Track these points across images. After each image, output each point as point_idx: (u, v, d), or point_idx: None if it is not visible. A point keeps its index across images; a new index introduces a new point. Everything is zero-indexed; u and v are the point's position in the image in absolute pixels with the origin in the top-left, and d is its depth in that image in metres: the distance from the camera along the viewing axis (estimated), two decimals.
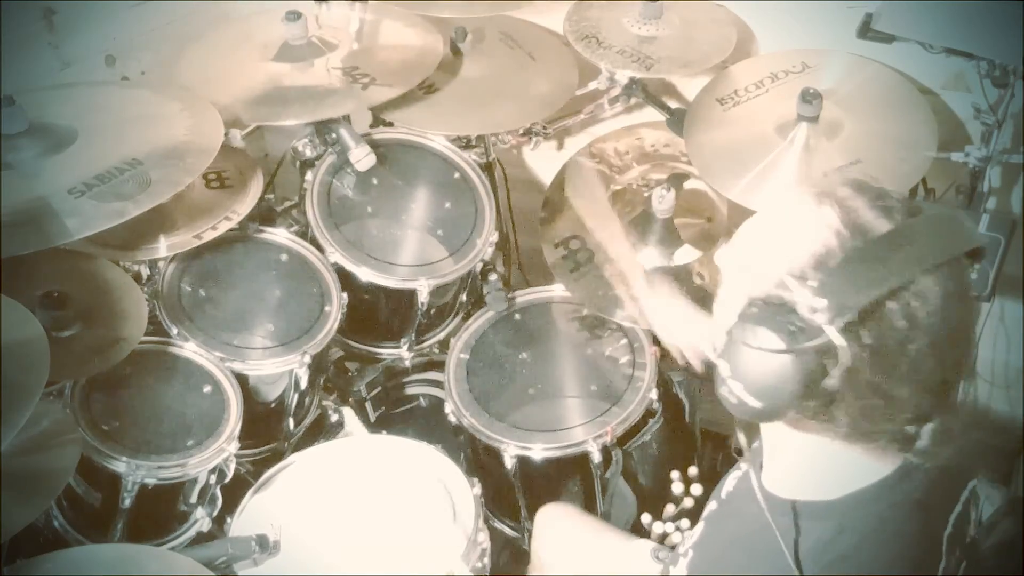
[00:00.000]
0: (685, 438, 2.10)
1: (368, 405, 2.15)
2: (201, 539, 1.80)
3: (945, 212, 1.03)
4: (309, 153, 2.04)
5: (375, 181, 2.06)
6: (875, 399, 0.98)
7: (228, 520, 1.71)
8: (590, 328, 2.06)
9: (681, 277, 1.99)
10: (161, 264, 1.91)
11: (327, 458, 1.80)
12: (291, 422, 2.00)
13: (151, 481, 1.69)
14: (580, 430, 1.88)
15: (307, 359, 1.88)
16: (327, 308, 1.95)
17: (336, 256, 1.96)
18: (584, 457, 1.86)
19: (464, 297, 2.16)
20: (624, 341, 2.03)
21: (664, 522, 1.70)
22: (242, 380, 1.86)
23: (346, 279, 1.97)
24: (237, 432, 1.78)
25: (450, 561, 1.58)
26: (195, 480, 1.77)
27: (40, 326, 1.38)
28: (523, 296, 2.12)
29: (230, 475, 1.81)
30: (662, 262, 2.01)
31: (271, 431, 1.99)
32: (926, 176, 1.85)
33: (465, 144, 2.15)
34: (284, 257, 2.01)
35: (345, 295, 1.96)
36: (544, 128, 2.23)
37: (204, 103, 1.82)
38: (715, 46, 2.07)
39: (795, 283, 0.97)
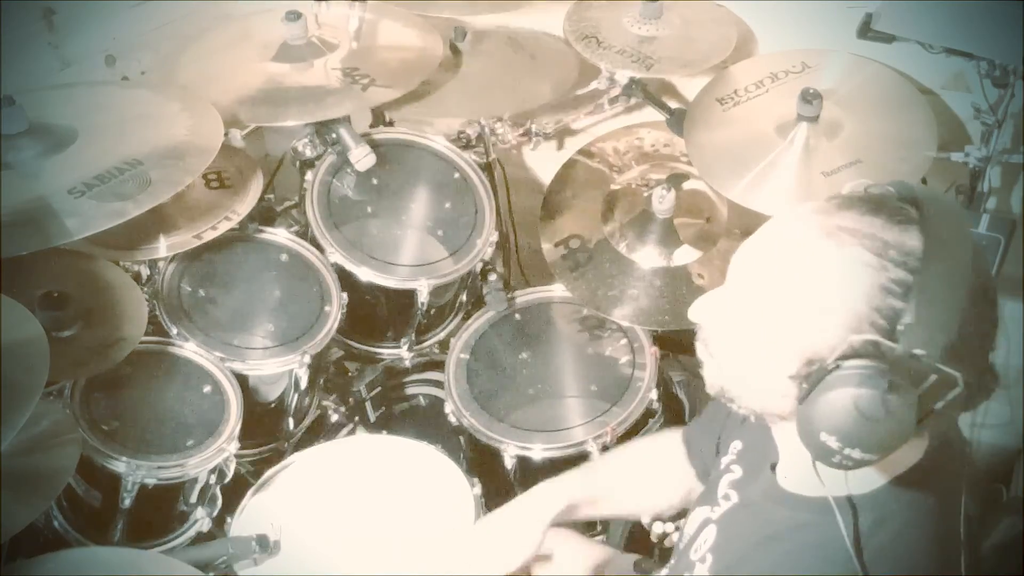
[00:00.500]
0: None
1: (368, 405, 2.15)
2: (201, 539, 1.79)
3: (935, 199, 1.02)
4: (309, 153, 2.04)
5: (375, 181, 2.06)
6: (964, 393, 0.97)
7: (228, 520, 1.71)
8: (590, 328, 2.06)
9: (680, 277, 1.99)
10: (161, 264, 1.91)
11: (327, 458, 1.80)
12: (291, 422, 2.00)
13: (151, 481, 1.69)
14: (580, 430, 1.88)
15: (307, 359, 1.88)
16: (327, 308, 1.95)
17: (336, 256, 1.96)
18: (584, 457, 1.86)
19: (464, 297, 2.16)
20: (624, 341, 2.03)
21: (664, 522, 1.70)
22: (242, 380, 1.86)
23: (346, 279, 1.97)
24: (237, 432, 1.78)
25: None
26: (195, 480, 1.77)
27: (40, 326, 1.38)
28: (523, 296, 2.12)
29: (230, 475, 1.81)
30: (662, 262, 2.01)
31: (271, 431, 1.99)
32: (926, 176, 1.86)
33: (465, 144, 2.15)
34: (284, 257, 2.01)
35: (345, 295, 1.96)
36: (544, 128, 2.23)
37: (204, 103, 1.82)
38: (715, 46, 2.08)
39: (884, 341, 0.94)
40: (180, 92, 1.87)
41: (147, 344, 1.81)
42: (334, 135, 1.98)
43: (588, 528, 1.90)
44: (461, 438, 1.98)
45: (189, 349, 1.84)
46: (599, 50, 2.07)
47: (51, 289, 1.69)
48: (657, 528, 1.69)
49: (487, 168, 2.16)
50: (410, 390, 2.23)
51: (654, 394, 1.93)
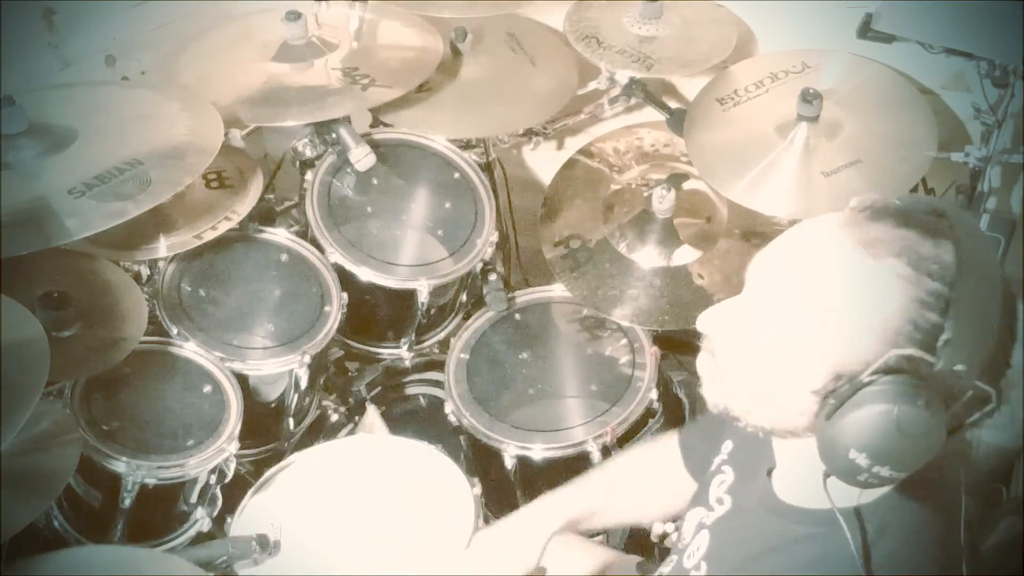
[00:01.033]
0: None
1: (368, 405, 2.15)
2: (201, 539, 1.79)
3: (964, 220, 1.00)
4: (309, 153, 2.04)
5: (375, 181, 2.06)
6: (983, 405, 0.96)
7: (228, 520, 1.71)
8: (590, 328, 2.06)
9: (680, 277, 1.99)
10: (161, 264, 1.91)
11: (327, 458, 1.80)
12: (291, 422, 2.00)
13: (151, 481, 1.69)
14: (580, 430, 1.88)
15: (307, 359, 1.88)
16: (327, 308, 1.95)
17: (336, 256, 1.96)
18: (584, 457, 1.86)
19: (464, 297, 2.16)
20: (624, 341, 2.03)
21: (664, 522, 1.70)
22: (242, 380, 1.86)
23: (346, 279, 1.97)
24: (237, 432, 1.78)
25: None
26: (195, 480, 1.77)
27: (40, 326, 1.37)
28: (523, 296, 2.12)
29: (230, 475, 1.81)
30: (662, 262, 2.01)
31: (271, 431, 1.99)
32: (926, 176, 1.86)
33: (465, 144, 2.15)
34: (284, 257, 2.01)
35: (345, 295, 1.96)
36: (544, 128, 2.23)
37: (204, 103, 1.82)
38: (715, 46, 2.08)
39: (923, 355, 0.92)
40: (180, 92, 1.87)
41: (147, 344, 1.81)
42: (334, 135, 1.98)
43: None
44: (461, 438, 1.98)
45: (189, 349, 1.84)
46: (599, 50, 2.07)
47: (51, 289, 1.69)
48: (657, 528, 1.68)
49: (487, 168, 2.17)
50: (410, 390, 2.23)
51: (654, 394, 1.93)
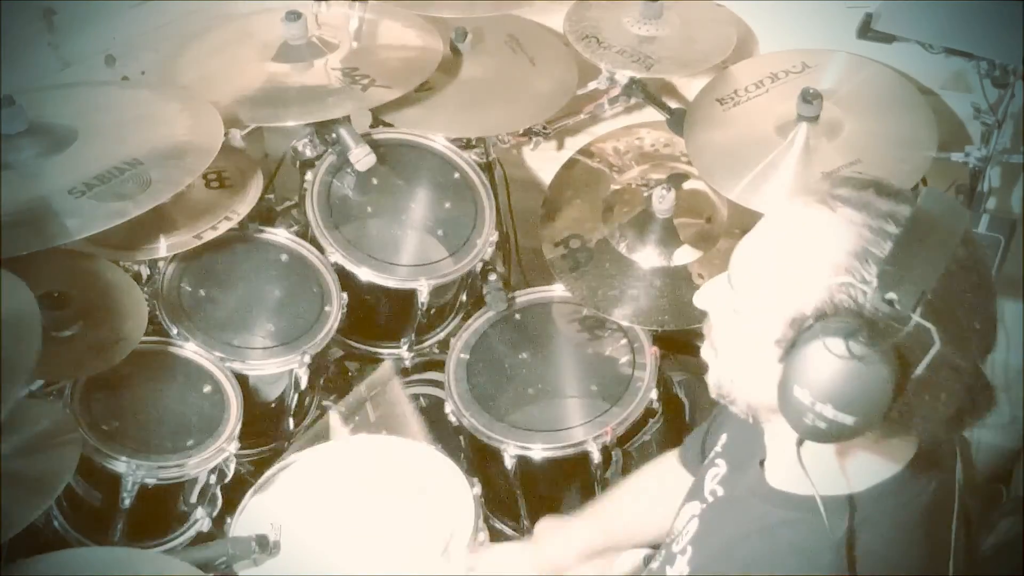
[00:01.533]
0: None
1: (368, 405, 2.15)
2: (201, 539, 1.79)
3: (931, 190, 1.02)
4: (309, 153, 2.04)
5: (375, 181, 2.06)
6: (957, 384, 0.96)
7: (228, 520, 1.71)
8: (590, 328, 2.06)
9: (680, 277, 1.99)
10: (161, 264, 1.91)
11: (327, 458, 1.80)
12: (291, 422, 2.00)
13: (151, 481, 1.69)
14: (580, 430, 1.88)
15: (307, 359, 1.88)
16: (327, 308, 1.95)
17: (336, 256, 1.96)
18: (584, 457, 1.86)
19: (464, 297, 2.16)
20: (624, 341, 2.03)
21: None
22: (242, 380, 1.86)
23: (346, 279, 1.97)
24: (237, 432, 1.78)
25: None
26: (195, 480, 1.77)
27: (29, 292, 1.37)
28: (523, 296, 2.12)
29: (230, 475, 1.81)
30: (662, 262, 2.01)
31: (271, 431, 1.99)
32: (926, 176, 1.86)
33: (465, 144, 2.15)
34: (284, 257, 2.01)
35: (345, 295, 1.96)
36: (544, 128, 2.23)
37: (204, 103, 1.82)
38: (715, 46, 2.08)
39: (857, 283, 0.93)
40: (180, 92, 1.87)
41: (147, 344, 1.81)
42: (334, 135, 1.98)
43: None
44: (461, 438, 1.98)
45: (189, 349, 1.85)
46: (599, 50, 2.07)
47: (51, 289, 1.69)
48: None
49: (487, 168, 2.16)
50: (410, 390, 2.23)
51: (654, 394, 1.93)
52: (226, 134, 1.82)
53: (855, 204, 0.98)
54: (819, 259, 0.97)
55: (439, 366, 2.09)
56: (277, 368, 1.88)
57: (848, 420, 0.94)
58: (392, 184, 2.07)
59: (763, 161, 1.86)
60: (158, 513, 1.79)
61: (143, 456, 1.70)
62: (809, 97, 1.84)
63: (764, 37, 2.19)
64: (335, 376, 2.19)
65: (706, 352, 1.14)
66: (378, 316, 2.09)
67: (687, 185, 2.08)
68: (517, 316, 2.11)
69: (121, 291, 1.80)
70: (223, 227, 1.90)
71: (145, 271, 1.92)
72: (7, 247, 1.47)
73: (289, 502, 1.71)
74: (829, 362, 0.93)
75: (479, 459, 1.97)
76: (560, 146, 2.42)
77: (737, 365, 1.10)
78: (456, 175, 2.10)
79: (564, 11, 2.17)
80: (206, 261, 1.95)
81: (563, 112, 2.19)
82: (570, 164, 2.22)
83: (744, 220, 2.00)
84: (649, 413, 1.95)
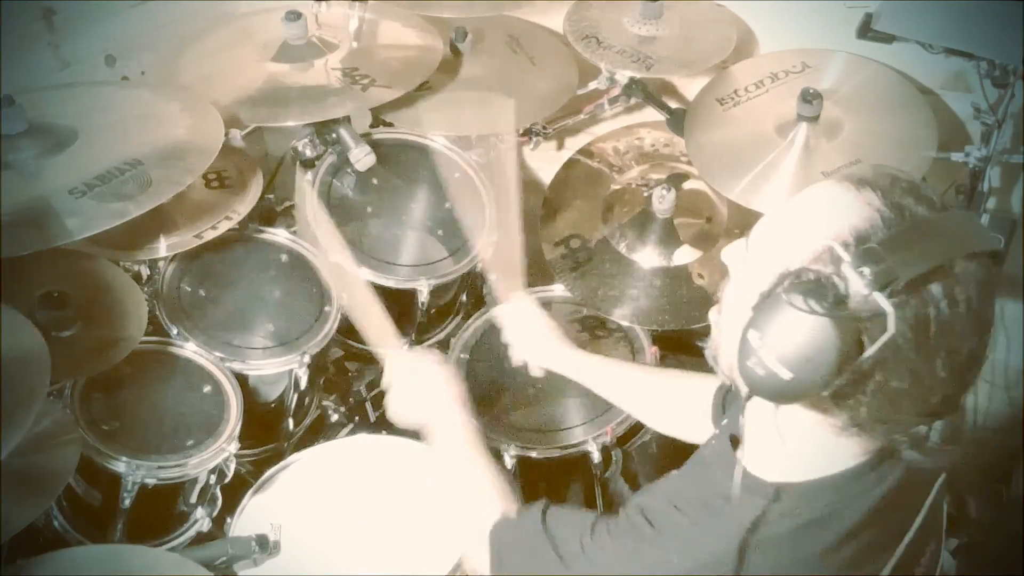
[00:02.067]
0: None
1: (368, 405, 2.15)
2: (201, 539, 1.79)
3: (966, 212, 1.03)
4: (309, 153, 2.03)
5: (375, 181, 2.06)
6: (906, 382, 0.96)
7: (228, 520, 1.71)
8: (590, 328, 2.06)
9: (680, 277, 1.99)
10: (161, 264, 1.91)
11: (327, 458, 1.80)
12: (291, 422, 2.00)
13: (151, 481, 1.69)
14: (580, 430, 1.88)
15: (307, 359, 1.88)
16: (327, 308, 1.95)
17: (336, 256, 1.95)
18: (584, 457, 1.86)
19: (464, 297, 2.16)
20: (624, 341, 2.03)
21: None
22: (242, 380, 1.86)
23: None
24: (237, 432, 1.78)
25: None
26: (195, 480, 1.77)
27: (39, 334, 1.37)
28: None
29: (230, 475, 1.81)
30: (662, 262, 2.01)
31: (271, 431, 1.99)
32: (926, 176, 1.86)
33: (466, 144, 2.15)
34: (284, 257, 2.01)
35: (345, 295, 1.96)
36: (544, 128, 2.23)
37: (204, 103, 1.82)
38: (715, 46, 2.08)
39: (840, 249, 0.95)
40: (180, 92, 1.87)
41: (147, 344, 1.81)
42: (334, 135, 1.98)
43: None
44: None
45: (189, 349, 1.85)
46: (599, 50, 2.07)
47: (51, 289, 1.69)
48: None
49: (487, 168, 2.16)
50: None
51: None
52: (226, 134, 1.82)
53: (880, 191, 0.99)
54: (824, 226, 0.99)
55: None
56: (277, 368, 1.88)
57: (785, 375, 0.95)
58: (392, 184, 2.07)
59: (763, 161, 1.86)
60: (158, 513, 1.79)
61: (143, 456, 1.69)
62: (809, 97, 1.84)
63: (764, 37, 2.19)
64: (335, 376, 2.19)
65: (712, 314, 1.15)
66: None
67: (687, 185, 2.08)
68: None
69: (121, 291, 1.80)
70: (223, 227, 1.90)
71: (145, 271, 1.92)
72: (7, 247, 1.47)
73: (289, 502, 1.71)
74: (783, 311, 0.94)
75: None
76: (560, 146, 2.42)
77: (728, 320, 1.10)
78: (456, 175, 2.10)
79: (564, 11, 2.17)
80: (206, 261, 1.95)
81: (563, 112, 2.19)
82: (570, 164, 2.22)
83: (744, 220, 2.00)
84: None
